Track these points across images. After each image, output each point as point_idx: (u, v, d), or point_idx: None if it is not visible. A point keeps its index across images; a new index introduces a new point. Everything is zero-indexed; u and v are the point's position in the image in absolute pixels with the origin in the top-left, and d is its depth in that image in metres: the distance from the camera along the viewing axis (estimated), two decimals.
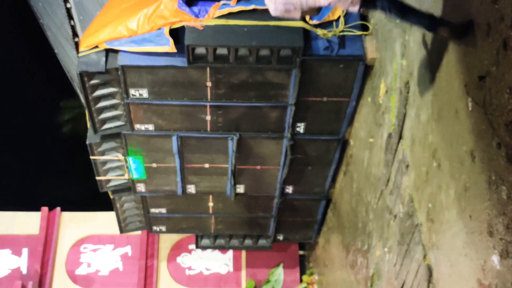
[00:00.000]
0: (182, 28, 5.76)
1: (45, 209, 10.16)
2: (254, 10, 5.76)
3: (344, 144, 6.94)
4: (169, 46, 5.75)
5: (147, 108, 6.38)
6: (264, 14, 5.73)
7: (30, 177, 14.60)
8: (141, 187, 7.49)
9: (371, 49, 5.74)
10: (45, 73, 14.21)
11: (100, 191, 7.52)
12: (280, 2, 3.88)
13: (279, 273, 10.05)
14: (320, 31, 5.79)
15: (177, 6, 5.70)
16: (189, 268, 10.10)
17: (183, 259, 10.14)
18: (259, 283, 10.03)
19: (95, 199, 9.40)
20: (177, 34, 5.84)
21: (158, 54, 5.85)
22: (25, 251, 9.92)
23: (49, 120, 14.84)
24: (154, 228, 8.44)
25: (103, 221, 10.19)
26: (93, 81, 6.07)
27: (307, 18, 5.78)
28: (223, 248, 9.60)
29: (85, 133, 6.81)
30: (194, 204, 8.02)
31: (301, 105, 6.35)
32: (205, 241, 9.23)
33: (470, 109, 3.53)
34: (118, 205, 8.01)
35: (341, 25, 5.83)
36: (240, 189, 7.59)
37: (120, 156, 6.99)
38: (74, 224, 10.24)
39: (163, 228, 8.48)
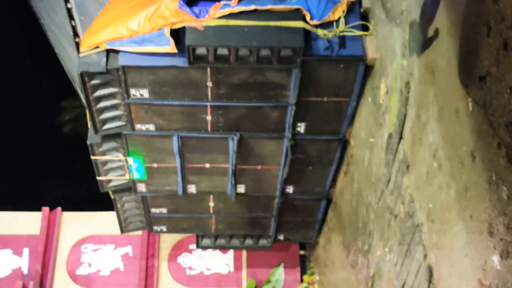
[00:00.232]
0: (183, 28, 5.76)
1: (46, 209, 10.17)
2: (254, 11, 5.76)
3: (344, 144, 6.94)
4: (170, 47, 5.75)
5: (147, 108, 6.39)
6: (265, 14, 5.74)
7: (31, 177, 14.62)
8: (141, 187, 7.50)
9: (371, 49, 5.74)
10: (46, 73, 14.21)
11: (101, 191, 7.53)
12: None
13: (280, 273, 10.05)
14: (320, 31, 5.79)
15: (177, 6, 5.71)
16: (190, 268, 10.11)
17: (184, 259, 10.15)
18: (260, 283, 10.03)
19: (96, 199, 9.41)
20: (177, 34, 5.85)
21: (158, 54, 5.85)
22: (26, 251, 9.92)
23: (50, 120, 14.86)
24: (155, 228, 8.45)
25: (104, 221, 10.20)
26: (94, 81, 6.08)
27: (308, 18, 5.78)
28: (223, 248, 9.61)
29: (86, 133, 6.81)
30: (195, 204, 8.03)
31: (302, 105, 6.35)
32: (205, 241, 9.24)
33: (470, 109, 3.54)
34: (118, 205, 8.01)
35: (342, 25, 5.83)
36: (241, 189, 7.60)
37: (121, 156, 7.00)
38: (75, 224, 10.25)
39: (164, 228, 8.49)
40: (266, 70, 6.02)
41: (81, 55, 6.04)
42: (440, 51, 4.02)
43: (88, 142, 6.76)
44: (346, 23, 5.85)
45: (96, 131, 6.53)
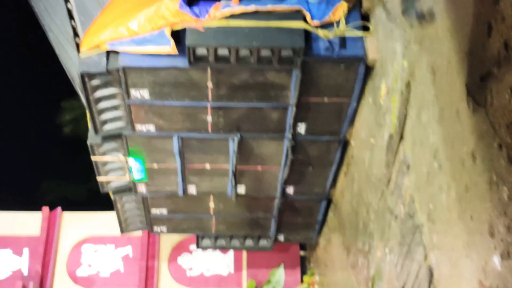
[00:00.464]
0: (183, 29, 5.76)
1: (46, 209, 10.16)
2: (255, 11, 5.76)
3: (345, 145, 6.94)
4: (170, 47, 5.75)
5: (148, 109, 6.39)
6: (265, 15, 5.74)
7: (31, 177, 14.64)
8: (142, 188, 7.50)
9: (372, 49, 5.74)
10: (46, 73, 14.22)
11: (101, 192, 7.53)
12: None
13: (280, 273, 10.05)
14: (321, 32, 5.79)
15: (178, 6, 5.71)
16: (190, 269, 10.11)
17: (184, 260, 10.15)
18: (260, 283, 10.03)
19: (96, 200, 9.42)
20: (178, 35, 5.84)
21: (159, 55, 5.85)
22: (26, 251, 9.92)
23: (50, 120, 14.87)
24: (155, 228, 8.44)
25: (104, 222, 10.19)
26: (94, 82, 6.08)
27: (308, 18, 5.78)
28: (224, 249, 9.60)
29: (86, 134, 6.80)
30: (195, 205, 8.03)
31: (302, 105, 6.35)
32: (206, 242, 9.23)
33: (471, 109, 3.53)
34: (119, 206, 8.01)
35: (342, 26, 5.83)
36: (241, 189, 7.60)
37: (121, 157, 7.00)
38: (75, 225, 10.24)
39: (164, 229, 8.49)
40: (267, 70, 6.02)
41: (81, 55, 6.04)
42: (441, 52, 4.02)
43: (88, 143, 6.76)
44: (347, 23, 5.85)
45: (96, 131, 6.53)
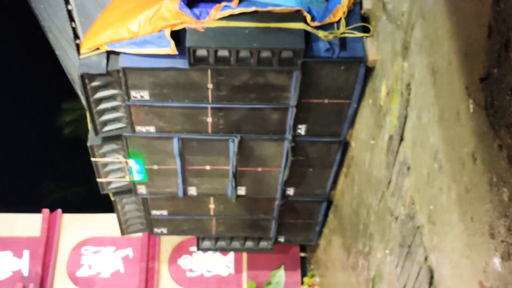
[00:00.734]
0: (183, 30, 5.76)
1: (46, 211, 10.16)
2: (255, 12, 5.76)
3: (345, 146, 6.94)
4: (170, 48, 5.75)
5: (148, 110, 6.39)
6: (265, 16, 5.74)
7: (31, 179, 14.63)
8: (142, 189, 7.50)
9: (372, 50, 5.74)
10: (46, 75, 14.23)
11: (101, 193, 7.52)
12: None
13: (280, 275, 10.04)
14: (321, 33, 5.79)
15: (178, 8, 5.71)
16: (190, 270, 10.10)
17: (184, 261, 10.14)
18: (260, 285, 10.02)
19: (96, 201, 9.41)
20: (178, 36, 5.85)
21: (159, 56, 5.85)
22: (26, 253, 9.91)
23: (50, 122, 14.87)
24: (155, 230, 8.44)
25: (104, 223, 10.19)
26: (94, 83, 6.08)
27: (308, 19, 5.78)
28: (224, 250, 9.59)
29: (86, 135, 6.81)
30: (195, 206, 8.02)
31: (302, 107, 6.35)
32: (206, 243, 9.23)
33: (471, 111, 3.53)
34: (119, 207, 8.01)
35: (342, 27, 5.83)
36: (241, 191, 7.59)
37: (121, 158, 7.00)
38: (75, 226, 10.24)
39: (164, 230, 8.48)
40: (267, 72, 6.02)
41: (81, 56, 6.04)
42: (441, 53, 4.02)
43: (88, 144, 6.76)
44: (347, 24, 5.85)
45: (96, 133, 6.52)
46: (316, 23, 5.81)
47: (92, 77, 6.01)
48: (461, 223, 3.78)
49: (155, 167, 7.15)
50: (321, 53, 5.83)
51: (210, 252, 10.02)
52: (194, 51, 5.75)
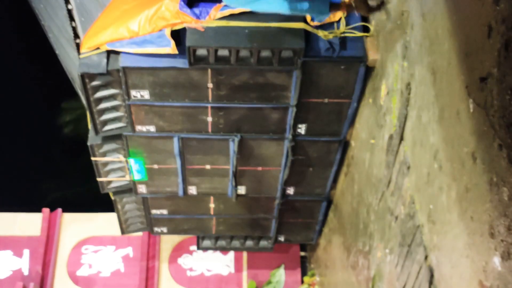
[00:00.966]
0: (183, 29, 5.76)
1: (46, 210, 10.18)
2: (255, 12, 5.75)
3: (345, 146, 6.94)
4: (170, 48, 5.75)
5: (148, 109, 6.39)
6: (265, 15, 5.73)
7: (31, 178, 14.62)
8: (142, 189, 7.50)
9: (372, 50, 5.74)
10: (46, 74, 14.21)
11: (101, 193, 7.53)
12: None
13: (281, 274, 10.05)
14: (321, 33, 5.79)
15: (178, 7, 5.71)
16: (190, 269, 10.11)
17: (184, 260, 10.15)
18: (261, 284, 10.03)
19: (96, 200, 9.41)
20: (178, 35, 5.85)
21: (159, 55, 5.85)
22: (26, 252, 9.93)
23: (50, 121, 14.86)
24: (156, 229, 8.44)
25: (105, 222, 10.20)
26: (94, 83, 6.08)
27: (308, 19, 5.78)
28: (224, 249, 9.60)
29: (86, 135, 6.81)
30: (195, 205, 8.03)
31: (302, 106, 6.35)
32: (206, 242, 9.23)
33: (471, 110, 3.53)
34: (119, 207, 8.01)
35: (342, 27, 5.83)
36: (241, 190, 7.60)
37: (121, 158, 7.00)
38: (76, 225, 10.25)
39: (165, 229, 8.49)
40: (267, 71, 6.02)
41: (81, 56, 6.04)
42: (441, 52, 4.02)
43: (88, 144, 6.77)
44: (347, 24, 5.84)
45: (96, 132, 6.52)
46: (316, 23, 5.81)
47: (92, 76, 6.01)
48: (461, 223, 3.79)
49: (155, 166, 7.15)
50: (321, 53, 5.83)
51: (210, 251, 10.03)
52: (194, 51, 5.75)
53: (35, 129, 14.94)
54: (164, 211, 8.07)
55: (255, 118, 6.56)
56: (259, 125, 6.65)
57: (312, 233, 8.73)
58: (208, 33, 5.68)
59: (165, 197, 7.77)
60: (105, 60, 5.97)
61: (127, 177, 7.28)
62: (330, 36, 5.81)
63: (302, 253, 10.28)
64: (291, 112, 6.41)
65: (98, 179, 7.24)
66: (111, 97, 6.28)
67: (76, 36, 7.83)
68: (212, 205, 8.02)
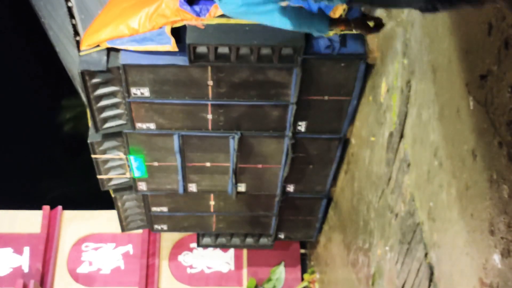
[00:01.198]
0: (184, 27, 5.76)
1: (46, 207, 10.17)
2: None
3: (345, 143, 6.94)
4: (171, 45, 5.75)
5: (148, 107, 6.39)
6: None
7: (31, 176, 14.62)
8: (142, 186, 7.50)
9: (372, 47, 5.74)
10: (46, 72, 14.21)
11: (101, 190, 7.53)
12: None
13: (281, 271, 10.06)
14: None
15: (178, 5, 5.70)
16: (191, 267, 10.12)
17: (185, 258, 10.16)
18: (261, 281, 10.04)
19: (97, 198, 9.42)
20: (178, 33, 5.84)
21: (159, 53, 5.85)
22: (26, 249, 9.93)
23: (50, 118, 14.86)
24: (156, 226, 8.45)
25: (105, 220, 10.20)
26: (94, 80, 6.08)
27: None
28: (224, 247, 9.61)
29: (86, 132, 6.81)
30: (196, 203, 8.03)
31: (303, 104, 6.35)
32: (206, 240, 9.24)
33: (471, 108, 3.54)
34: (119, 204, 8.01)
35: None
36: (242, 187, 7.60)
37: (122, 155, 7.00)
38: (76, 223, 10.25)
39: (165, 227, 8.49)
40: (267, 68, 6.02)
41: (81, 53, 6.04)
42: (441, 50, 4.02)
43: (88, 141, 6.76)
44: None
45: (96, 129, 6.52)
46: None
47: (93, 74, 6.01)
48: (461, 220, 3.79)
49: (156, 163, 7.15)
50: (321, 50, 5.83)
51: (210, 249, 10.04)
52: (194, 48, 5.75)
53: (35, 126, 14.94)
54: (164, 209, 8.07)
55: (255, 115, 6.56)
56: (259, 122, 6.65)
57: (312, 231, 8.74)
58: (208, 30, 5.68)
59: (165, 195, 7.78)
60: (105, 58, 5.96)
61: (127, 175, 7.28)
62: (330, 34, 5.78)
63: (302, 251, 10.28)
64: (291, 110, 6.41)
65: (98, 177, 7.24)
66: (111, 94, 6.28)
67: (76, 33, 7.83)
68: (212, 203, 8.02)
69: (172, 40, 5.73)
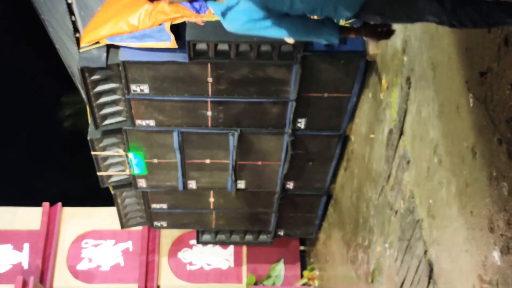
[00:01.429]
0: (183, 24, 5.75)
1: (46, 204, 10.17)
2: None
3: (345, 140, 6.94)
4: (170, 42, 5.74)
5: (148, 103, 6.38)
6: None
7: (31, 173, 14.63)
8: (142, 183, 7.50)
9: (372, 45, 5.73)
10: (46, 68, 14.21)
11: (101, 187, 7.53)
12: None
13: (280, 268, 10.07)
14: None
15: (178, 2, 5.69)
16: (190, 264, 10.12)
17: (184, 255, 10.16)
18: (260, 278, 10.05)
19: (96, 195, 9.42)
20: (178, 29, 5.83)
21: (159, 49, 5.84)
22: (26, 246, 9.93)
23: (50, 115, 14.85)
24: (155, 223, 8.45)
25: (104, 217, 10.20)
26: (94, 77, 6.07)
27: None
28: (224, 244, 9.62)
29: (86, 129, 6.81)
30: (195, 200, 8.03)
31: (302, 101, 6.35)
32: (206, 237, 9.25)
33: (471, 105, 3.54)
34: (119, 201, 8.02)
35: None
36: (241, 184, 7.60)
37: (121, 152, 7.00)
38: (75, 220, 10.25)
39: (164, 224, 8.50)
40: (267, 65, 6.01)
41: (81, 50, 6.03)
42: (441, 47, 4.02)
43: (88, 138, 6.76)
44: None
45: (96, 126, 6.52)
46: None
47: (92, 70, 6.00)
48: (460, 217, 3.79)
49: (155, 160, 7.15)
50: (321, 47, 5.82)
51: (210, 246, 10.03)
52: (194, 45, 5.75)
53: (35, 123, 14.95)
54: (164, 205, 8.07)
55: (255, 112, 6.56)
56: (259, 119, 6.64)
57: (312, 228, 8.74)
58: (208, 27, 5.67)
59: (165, 191, 7.78)
60: (105, 54, 5.96)
61: (127, 171, 7.28)
62: None
63: (302, 248, 10.29)
64: (291, 107, 6.41)
65: (98, 173, 7.25)
66: (111, 91, 6.28)
67: (76, 30, 7.81)
68: (211, 200, 8.02)
69: (172, 37, 5.72)
